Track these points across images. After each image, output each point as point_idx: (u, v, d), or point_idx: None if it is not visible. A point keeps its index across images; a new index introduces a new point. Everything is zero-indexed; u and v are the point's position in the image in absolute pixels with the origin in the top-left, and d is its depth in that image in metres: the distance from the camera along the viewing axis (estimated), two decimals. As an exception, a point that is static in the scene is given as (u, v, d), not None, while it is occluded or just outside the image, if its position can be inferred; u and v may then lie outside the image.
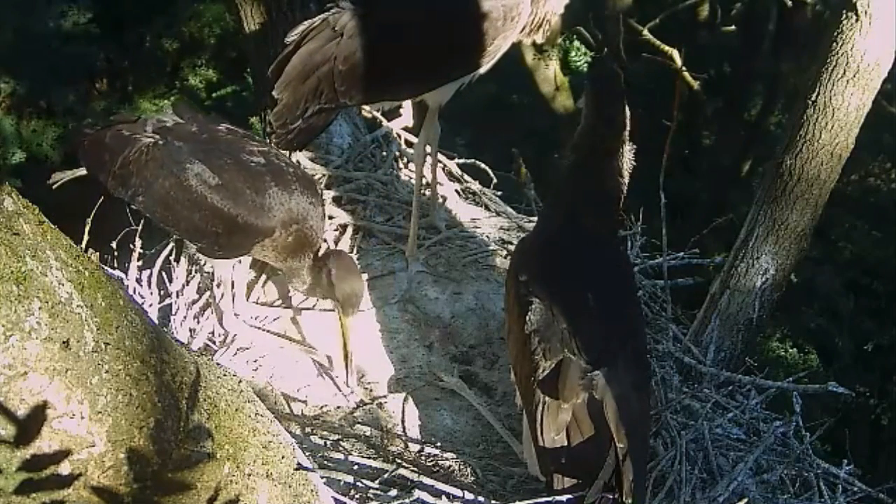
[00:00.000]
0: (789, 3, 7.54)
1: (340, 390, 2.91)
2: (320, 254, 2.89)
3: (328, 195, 3.49)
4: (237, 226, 2.71)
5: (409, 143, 3.91)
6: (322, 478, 2.24)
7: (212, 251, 2.84)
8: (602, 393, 2.25)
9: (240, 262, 3.02)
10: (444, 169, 3.82)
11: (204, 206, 2.70)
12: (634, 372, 2.36)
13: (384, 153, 3.87)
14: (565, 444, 2.26)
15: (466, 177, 3.90)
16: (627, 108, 2.52)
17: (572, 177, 2.61)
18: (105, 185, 2.87)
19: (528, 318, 2.38)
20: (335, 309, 2.85)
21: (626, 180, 2.56)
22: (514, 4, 2.81)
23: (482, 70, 2.96)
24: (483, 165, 4.00)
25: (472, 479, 2.64)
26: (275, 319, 3.13)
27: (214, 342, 3.06)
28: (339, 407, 2.87)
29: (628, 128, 2.52)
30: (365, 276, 3.21)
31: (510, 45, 2.94)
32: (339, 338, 2.86)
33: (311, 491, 2.09)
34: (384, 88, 3.03)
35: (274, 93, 2.93)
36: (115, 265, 3.17)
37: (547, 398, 2.28)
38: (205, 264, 3.16)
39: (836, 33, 2.75)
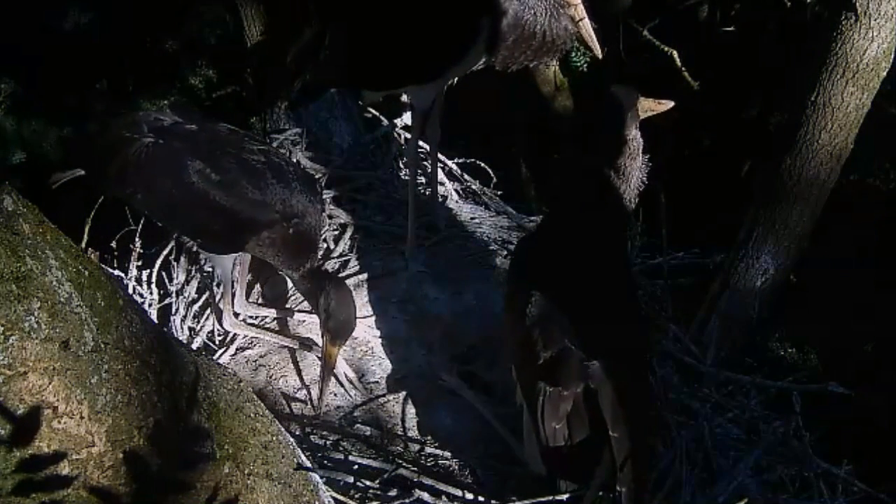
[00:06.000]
0: (788, 3, 7.53)
1: (344, 388, 2.90)
2: (321, 272, 2.88)
3: (328, 195, 3.50)
4: (238, 222, 2.73)
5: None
6: (322, 478, 2.25)
7: (213, 247, 2.85)
8: (598, 383, 2.25)
9: (240, 262, 3.02)
10: (444, 168, 3.82)
11: (206, 203, 2.71)
12: (633, 366, 2.36)
13: (384, 153, 3.87)
14: (566, 434, 2.26)
15: (466, 176, 3.90)
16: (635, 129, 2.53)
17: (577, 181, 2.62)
18: (103, 187, 2.88)
19: (528, 310, 2.39)
20: (322, 335, 2.80)
21: (634, 195, 2.57)
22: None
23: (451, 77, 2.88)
24: (483, 165, 4.00)
25: (472, 479, 2.64)
26: (275, 319, 3.13)
27: (214, 342, 3.06)
28: (339, 407, 2.87)
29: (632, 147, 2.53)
30: (365, 276, 3.22)
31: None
32: (323, 361, 2.80)
33: (311, 491, 2.09)
34: (359, 77, 3.04)
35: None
36: (115, 265, 3.17)
37: (548, 388, 2.28)
38: (205, 263, 3.17)
39: (835, 33, 2.75)
